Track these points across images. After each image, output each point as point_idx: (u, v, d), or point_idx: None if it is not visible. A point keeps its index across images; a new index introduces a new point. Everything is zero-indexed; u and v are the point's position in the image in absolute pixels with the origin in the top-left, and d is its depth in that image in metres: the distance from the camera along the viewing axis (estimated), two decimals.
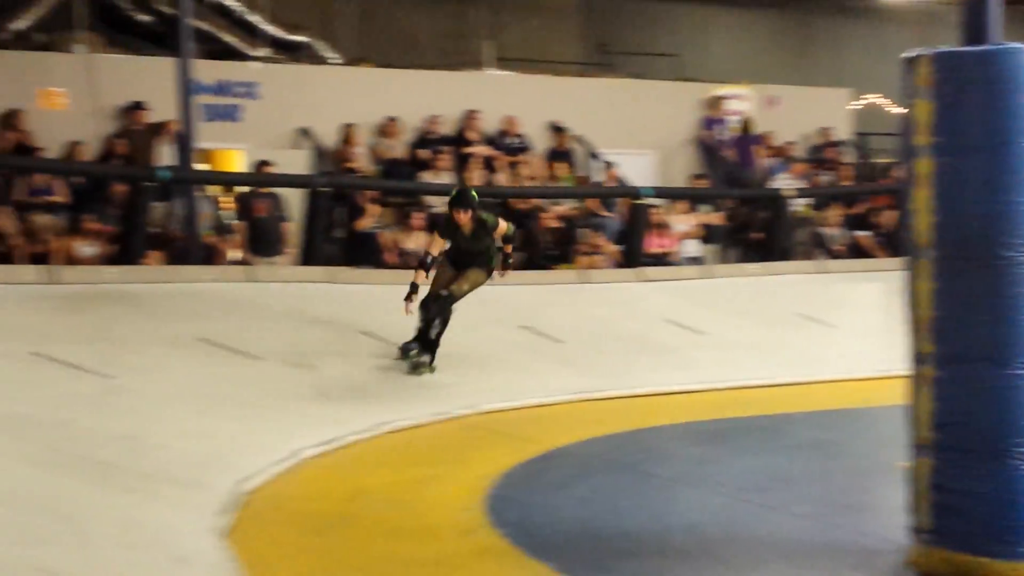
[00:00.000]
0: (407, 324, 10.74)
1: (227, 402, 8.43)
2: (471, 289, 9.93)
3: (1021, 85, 5.36)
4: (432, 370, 9.84)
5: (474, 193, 9.87)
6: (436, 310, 9.74)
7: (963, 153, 5.42)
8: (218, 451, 7.35)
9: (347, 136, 15.17)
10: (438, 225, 9.98)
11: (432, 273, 9.80)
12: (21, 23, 15.52)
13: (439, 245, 9.76)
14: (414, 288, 9.48)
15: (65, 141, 13.65)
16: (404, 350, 9.90)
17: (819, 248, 15.68)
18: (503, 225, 9.86)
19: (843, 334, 12.27)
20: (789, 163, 17.25)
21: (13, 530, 5.46)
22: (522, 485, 7.38)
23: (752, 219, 16.08)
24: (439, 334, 9.80)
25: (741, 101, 18.15)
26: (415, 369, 9.79)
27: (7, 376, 7.88)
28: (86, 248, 12.02)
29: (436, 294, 9.80)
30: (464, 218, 9.61)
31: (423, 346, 9.82)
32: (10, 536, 5.38)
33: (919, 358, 5.58)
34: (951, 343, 5.46)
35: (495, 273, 10.10)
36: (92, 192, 12.93)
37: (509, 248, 10.08)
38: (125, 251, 11.62)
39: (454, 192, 9.92)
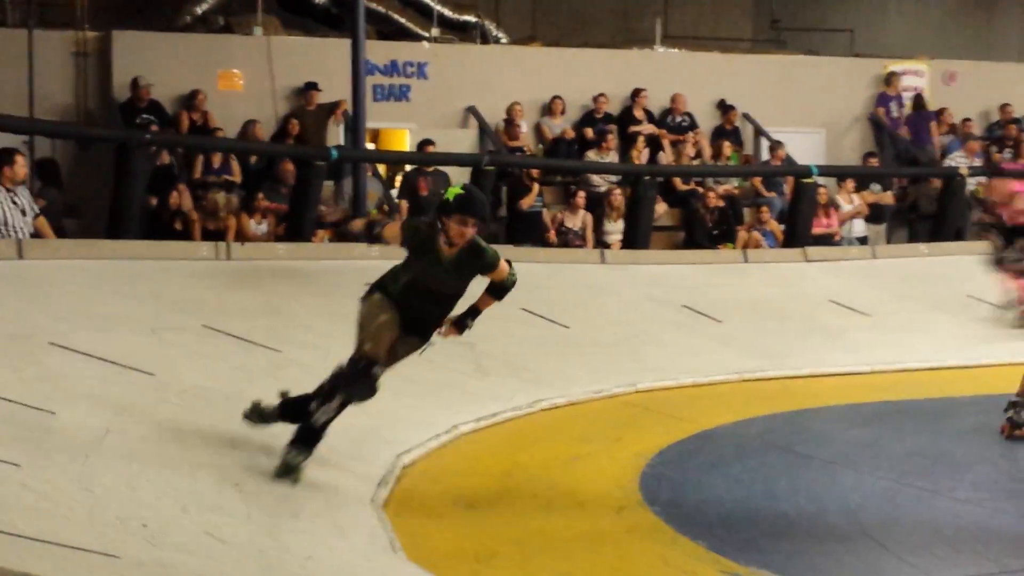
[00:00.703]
0: (569, 300, 10.80)
1: (387, 377, 8.59)
2: (393, 363, 6.55)
3: None
4: (301, 467, 6.29)
5: (485, 199, 6.49)
6: (354, 389, 6.33)
7: None
8: (378, 425, 7.51)
9: (512, 115, 15.29)
10: (409, 227, 6.45)
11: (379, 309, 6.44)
12: (203, 7, 16.04)
13: (393, 237, 6.44)
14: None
15: (242, 121, 14.08)
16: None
17: None
18: (503, 267, 6.41)
19: None
20: (965, 141, 16.74)
21: (185, 496, 5.73)
22: (676, 464, 7.39)
23: (923, 198, 15.68)
24: (328, 422, 6.35)
25: (917, 77, 17.70)
26: (287, 473, 6.25)
27: (181, 349, 8.18)
28: (258, 225, 12.39)
29: (365, 369, 6.32)
30: (466, 233, 6.18)
31: (301, 436, 6.34)
32: (182, 502, 5.64)
33: None
34: None
35: (437, 330, 6.53)
36: (265, 171, 13.32)
37: (489, 304, 6.60)
38: (295, 229, 11.93)
39: (459, 190, 6.25)
